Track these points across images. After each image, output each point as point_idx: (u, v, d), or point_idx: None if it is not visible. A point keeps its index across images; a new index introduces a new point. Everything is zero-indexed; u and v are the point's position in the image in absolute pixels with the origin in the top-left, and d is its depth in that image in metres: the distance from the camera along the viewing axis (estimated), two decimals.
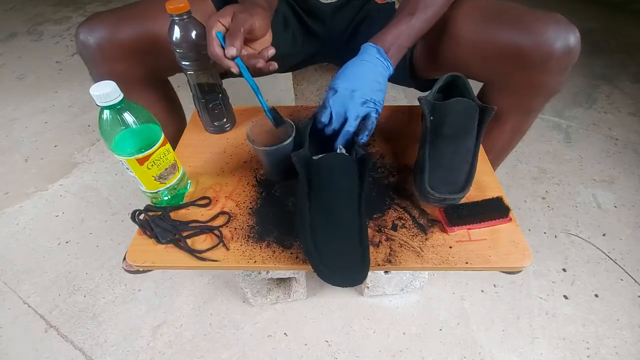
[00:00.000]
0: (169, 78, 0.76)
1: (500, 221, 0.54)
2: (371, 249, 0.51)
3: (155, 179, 0.53)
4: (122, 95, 0.46)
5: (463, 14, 0.60)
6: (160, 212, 0.56)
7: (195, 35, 0.54)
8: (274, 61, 0.53)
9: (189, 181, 0.61)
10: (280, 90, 1.43)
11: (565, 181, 1.07)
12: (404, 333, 0.76)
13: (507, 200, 0.55)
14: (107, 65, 0.61)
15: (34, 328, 0.79)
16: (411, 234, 0.54)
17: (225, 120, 0.70)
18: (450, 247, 0.52)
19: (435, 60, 0.67)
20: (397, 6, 0.71)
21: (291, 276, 0.72)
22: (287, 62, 0.78)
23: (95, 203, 1.03)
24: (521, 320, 0.78)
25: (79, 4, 2.12)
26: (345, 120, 0.56)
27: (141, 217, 0.55)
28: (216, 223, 0.56)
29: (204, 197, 0.59)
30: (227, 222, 0.56)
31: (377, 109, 0.57)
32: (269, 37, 0.58)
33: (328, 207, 0.50)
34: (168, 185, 0.55)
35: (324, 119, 0.57)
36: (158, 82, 0.72)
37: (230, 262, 0.51)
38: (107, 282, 0.86)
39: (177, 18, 0.52)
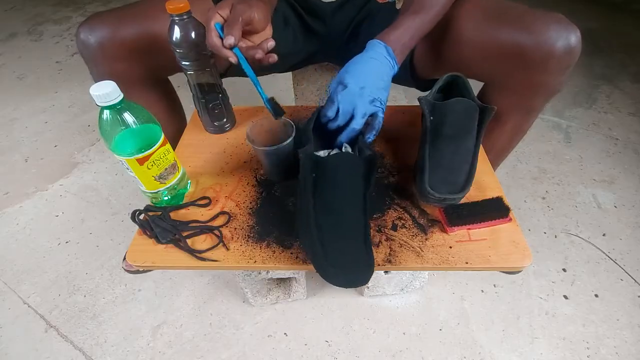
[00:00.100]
0: (169, 78, 0.76)
1: (500, 221, 0.54)
2: None
3: (155, 179, 0.53)
4: (122, 95, 0.46)
5: (464, 14, 0.60)
6: (160, 212, 0.56)
7: (195, 35, 0.54)
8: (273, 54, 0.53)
9: (189, 181, 0.61)
10: (280, 90, 1.43)
11: (565, 181, 1.07)
12: (404, 333, 0.76)
13: (507, 200, 0.55)
14: (108, 65, 0.61)
15: (34, 328, 0.79)
16: (411, 234, 0.54)
17: (225, 120, 0.70)
18: (450, 247, 0.52)
19: (436, 59, 0.67)
20: (397, 6, 0.71)
21: (291, 276, 0.72)
22: (288, 61, 0.78)
23: (95, 203, 1.03)
24: (521, 320, 0.78)
25: (79, 4, 2.12)
26: (351, 117, 0.55)
27: (141, 217, 0.55)
28: (216, 223, 0.56)
29: (204, 197, 0.59)
30: (227, 222, 0.56)
31: (382, 109, 0.56)
32: (269, 31, 0.57)
33: (334, 207, 0.49)
34: (168, 185, 0.55)
35: (330, 113, 0.55)
36: (158, 81, 0.72)
37: (230, 262, 0.51)
38: (107, 282, 0.86)
39: (177, 18, 0.52)
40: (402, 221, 0.55)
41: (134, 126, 0.47)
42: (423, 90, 0.74)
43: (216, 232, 0.54)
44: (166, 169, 0.53)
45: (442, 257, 0.51)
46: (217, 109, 0.67)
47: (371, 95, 0.54)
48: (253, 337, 0.76)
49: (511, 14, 0.57)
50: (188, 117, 0.77)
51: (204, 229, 0.55)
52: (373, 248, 0.52)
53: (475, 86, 0.63)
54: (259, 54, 0.51)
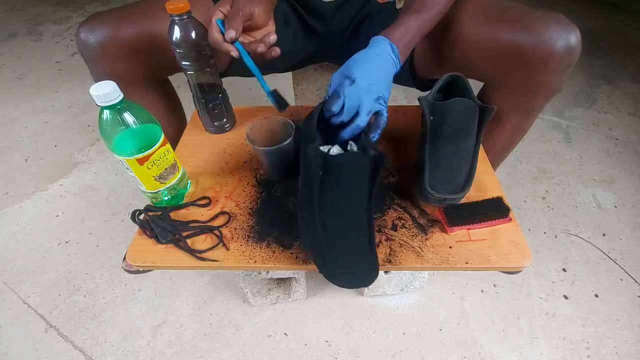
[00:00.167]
0: (169, 78, 0.76)
1: (500, 221, 0.54)
2: None
3: (155, 179, 0.53)
4: (122, 95, 0.46)
5: (465, 13, 0.60)
6: (160, 212, 0.56)
7: (195, 35, 0.54)
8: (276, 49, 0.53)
9: (189, 181, 0.61)
10: (280, 90, 1.43)
11: (565, 181, 1.07)
12: (404, 333, 0.76)
13: (507, 200, 0.55)
14: (108, 65, 0.61)
15: (34, 328, 0.79)
16: (411, 234, 0.54)
17: (225, 120, 0.70)
18: (450, 247, 0.52)
19: (436, 59, 0.67)
20: (397, 6, 0.71)
21: (291, 276, 0.72)
22: (288, 61, 0.78)
23: (95, 203, 1.03)
24: (521, 320, 0.78)
25: (79, 4, 2.12)
26: (355, 114, 0.53)
27: (141, 217, 0.55)
28: (216, 223, 0.56)
29: (204, 197, 0.59)
30: (227, 222, 0.56)
31: (386, 107, 0.56)
32: (271, 27, 0.57)
33: (341, 207, 0.48)
34: (168, 185, 0.55)
35: (335, 108, 0.52)
36: (158, 81, 0.73)
37: (230, 262, 0.51)
38: (107, 282, 0.86)
39: (177, 18, 0.52)
40: (402, 221, 0.55)
41: (134, 126, 0.47)
42: (423, 90, 0.74)
43: (216, 232, 0.54)
44: (166, 169, 0.53)
45: (442, 257, 0.51)
46: (217, 109, 0.67)
47: (377, 93, 0.53)
48: (253, 337, 0.76)
49: (511, 14, 0.57)
50: (188, 117, 0.77)
51: (204, 229, 0.55)
52: None
53: (475, 86, 0.63)
54: (261, 47, 0.51)
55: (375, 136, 0.55)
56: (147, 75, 0.67)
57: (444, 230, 0.54)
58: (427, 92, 0.62)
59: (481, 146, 0.60)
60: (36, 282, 0.86)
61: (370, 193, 0.50)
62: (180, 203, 0.58)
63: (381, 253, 0.52)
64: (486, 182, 0.60)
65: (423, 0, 0.56)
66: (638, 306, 0.79)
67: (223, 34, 0.51)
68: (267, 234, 0.54)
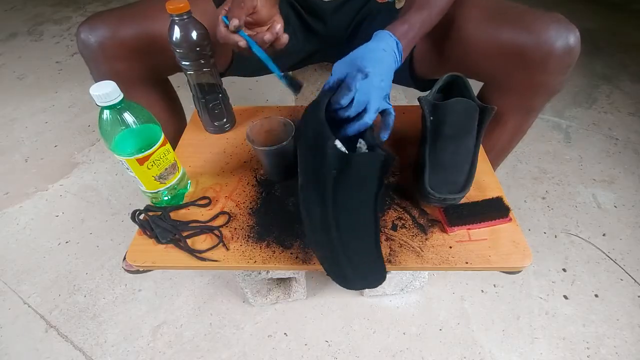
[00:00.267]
0: (169, 78, 0.76)
1: (500, 221, 0.54)
2: None
3: (155, 179, 0.53)
4: (122, 95, 0.46)
5: (465, 13, 0.60)
6: (160, 212, 0.56)
7: (196, 35, 0.54)
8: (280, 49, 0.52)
9: (189, 181, 0.61)
10: (280, 90, 1.43)
11: (565, 181, 1.07)
12: (404, 333, 0.76)
13: (507, 200, 0.55)
14: (108, 64, 0.61)
15: (34, 328, 0.79)
16: (411, 234, 0.54)
17: (225, 120, 0.70)
18: (450, 247, 0.52)
19: (436, 59, 0.67)
20: (397, 6, 0.71)
21: (291, 276, 0.72)
22: (288, 60, 0.78)
23: (95, 203, 1.03)
24: (521, 320, 0.78)
25: (79, 4, 2.12)
26: (362, 110, 0.51)
27: (141, 217, 0.55)
28: (216, 223, 0.56)
29: (204, 197, 0.59)
30: (227, 222, 0.56)
31: (391, 105, 0.55)
32: (278, 20, 0.56)
33: (353, 206, 0.48)
34: (168, 185, 0.55)
35: (345, 101, 0.50)
36: (158, 81, 0.73)
37: (230, 262, 0.51)
38: (107, 282, 0.86)
39: (177, 18, 0.52)
40: (402, 221, 0.55)
41: (134, 126, 0.48)
42: (422, 90, 0.74)
43: (216, 232, 0.54)
44: (166, 169, 0.53)
45: (442, 257, 0.51)
46: (217, 109, 0.67)
47: (385, 90, 0.52)
48: (253, 337, 0.76)
49: (511, 14, 0.57)
50: (188, 117, 0.77)
51: (204, 229, 0.55)
52: None
53: (475, 86, 0.63)
54: (268, 35, 0.51)
55: (385, 136, 0.54)
56: (147, 75, 0.67)
57: (444, 230, 0.54)
58: (427, 92, 0.62)
59: (481, 146, 0.60)
60: (36, 282, 0.86)
61: (377, 193, 0.49)
62: (180, 203, 0.58)
63: None
64: (486, 182, 0.60)
65: None
66: (638, 306, 0.79)
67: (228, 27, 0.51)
68: (267, 234, 0.54)
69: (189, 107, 0.73)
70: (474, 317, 0.78)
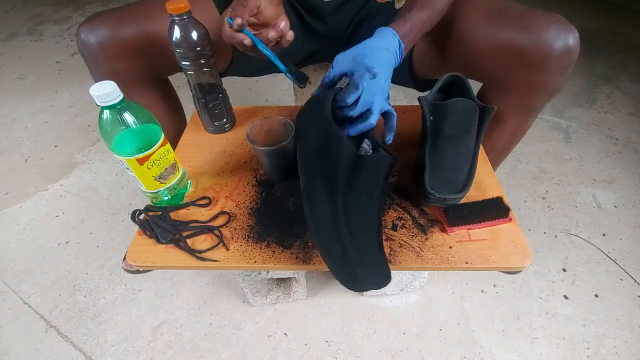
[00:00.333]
0: (169, 78, 0.76)
1: (500, 221, 0.54)
2: None
3: (155, 179, 0.53)
4: (122, 95, 0.46)
5: (465, 13, 0.60)
6: (160, 212, 0.56)
7: (196, 35, 0.54)
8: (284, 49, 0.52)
9: (189, 181, 0.61)
10: (280, 90, 1.43)
11: (565, 181, 1.07)
12: (404, 333, 0.76)
13: (507, 200, 0.55)
14: (108, 64, 0.61)
15: (34, 328, 0.79)
16: (411, 234, 0.54)
17: (225, 120, 0.70)
18: (450, 247, 0.52)
19: (435, 59, 0.67)
20: (396, 6, 0.71)
21: (291, 276, 0.72)
22: (288, 60, 0.78)
23: (95, 203, 1.03)
24: (521, 320, 0.78)
25: (79, 4, 2.12)
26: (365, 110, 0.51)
27: (141, 217, 0.55)
28: (216, 223, 0.56)
29: (204, 197, 0.59)
30: (227, 222, 0.56)
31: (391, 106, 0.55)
32: (283, 17, 0.55)
33: (363, 207, 0.48)
34: (168, 185, 0.55)
35: (350, 100, 0.49)
36: (158, 81, 0.73)
37: (230, 262, 0.51)
38: (107, 282, 0.86)
39: (177, 18, 0.52)
40: (402, 221, 0.55)
41: (134, 126, 0.48)
42: (421, 91, 0.74)
43: (216, 232, 0.54)
44: (166, 169, 0.53)
45: (442, 257, 0.51)
46: (217, 109, 0.67)
47: (387, 91, 0.52)
48: (253, 337, 0.76)
49: (511, 14, 0.57)
50: (188, 117, 0.77)
51: (204, 229, 0.55)
52: None
53: (475, 86, 0.63)
54: (272, 33, 0.50)
55: (390, 138, 0.54)
56: (147, 75, 0.67)
57: (444, 230, 0.54)
58: (427, 92, 0.62)
59: (481, 146, 0.60)
60: (36, 282, 0.86)
61: (380, 193, 0.50)
62: (180, 203, 0.58)
63: None
64: (486, 182, 0.60)
65: None
66: (638, 306, 0.79)
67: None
68: (267, 234, 0.54)
69: (189, 107, 0.73)
70: (474, 317, 0.78)
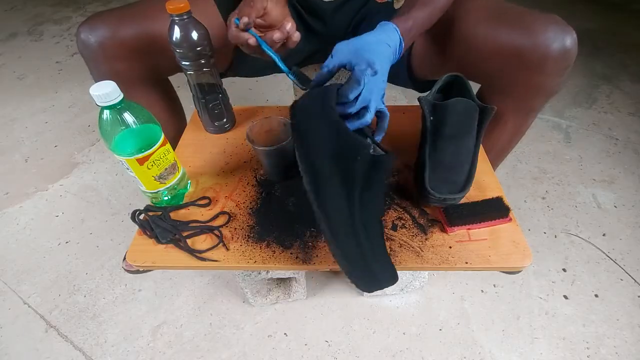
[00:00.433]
0: (169, 78, 0.76)
1: (500, 221, 0.54)
2: None
3: (155, 179, 0.53)
4: (122, 95, 0.46)
5: (464, 14, 0.60)
6: (160, 212, 0.56)
7: (196, 35, 0.54)
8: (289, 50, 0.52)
9: (189, 181, 0.61)
10: (280, 90, 1.43)
11: (565, 181, 1.07)
12: (404, 333, 0.76)
13: (507, 200, 0.55)
14: (108, 64, 0.61)
15: (34, 328, 0.79)
16: (411, 234, 0.54)
17: (225, 120, 0.70)
18: (450, 247, 0.52)
19: (435, 59, 0.67)
20: (395, 6, 0.71)
21: (291, 276, 0.72)
22: (288, 61, 0.78)
23: (95, 203, 1.03)
24: (521, 320, 0.78)
25: (79, 4, 2.12)
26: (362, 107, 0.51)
27: (141, 217, 0.55)
28: (216, 223, 0.56)
29: (204, 197, 0.59)
30: (227, 222, 0.56)
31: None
32: (289, 19, 0.55)
33: (374, 207, 0.48)
34: (168, 185, 0.55)
35: (352, 96, 0.48)
36: (159, 81, 0.73)
37: (230, 262, 0.51)
38: (107, 282, 0.86)
39: (177, 18, 0.52)
40: (402, 221, 0.55)
41: (134, 126, 0.48)
42: (421, 91, 0.74)
43: (216, 232, 0.54)
44: (166, 169, 0.53)
45: (442, 257, 0.51)
46: (217, 109, 0.67)
47: (383, 90, 0.52)
48: (253, 337, 0.76)
49: (509, 15, 0.57)
50: (188, 117, 0.77)
51: (204, 229, 0.55)
52: None
53: (474, 86, 0.63)
54: (277, 34, 0.50)
55: (379, 138, 0.55)
56: (147, 75, 0.67)
57: (444, 230, 0.54)
58: (427, 92, 0.62)
59: (481, 146, 0.60)
60: (36, 282, 0.86)
61: (383, 193, 0.50)
62: (180, 203, 0.58)
63: None
64: (486, 182, 0.60)
65: None
66: (638, 306, 0.79)
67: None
68: (267, 234, 0.54)
69: (189, 107, 0.73)
70: (474, 317, 0.78)
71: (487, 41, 0.58)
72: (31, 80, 1.55)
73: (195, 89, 0.63)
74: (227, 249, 0.53)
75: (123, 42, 0.60)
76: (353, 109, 0.50)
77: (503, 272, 0.85)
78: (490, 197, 0.56)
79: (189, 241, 0.53)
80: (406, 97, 1.41)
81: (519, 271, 0.84)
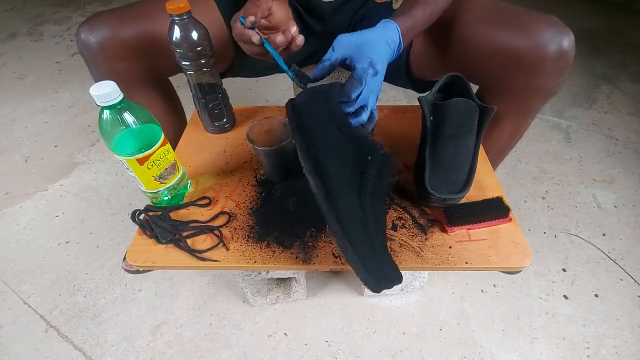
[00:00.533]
0: (169, 78, 0.76)
1: (500, 221, 0.54)
2: None
3: (155, 179, 0.53)
4: (122, 95, 0.46)
5: (463, 14, 0.60)
6: (160, 212, 0.56)
7: (196, 35, 0.54)
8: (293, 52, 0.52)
9: (189, 181, 0.61)
10: (280, 90, 1.43)
11: (565, 181, 1.07)
12: (404, 333, 0.76)
13: (507, 200, 0.55)
14: (108, 65, 0.61)
15: (34, 328, 0.79)
16: (411, 234, 0.54)
17: (225, 120, 0.70)
18: (450, 247, 0.52)
19: (433, 60, 0.67)
20: (394, 6, 0.71)
21: (291, 276, 0.72)
22: (288, 61, 0.78)
23: (95, 203, 1.03)
24: (521, 320, 0.78)
25: (79, 4, 2.13)
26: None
27: (141, 217, 0.55)
28: (216, 223, 0.56)
29: (204, 197, 0.59)
30: (227, 222, 0.56)
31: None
32: (293, 22, 0.55)
33: (380, 207, 0.48)
34: (168, 185, 0.55)
35: (354, 95, 0.49)
36: (159, 81, 0.73)
37: (230, 262, 0.51)
38: (107, 282, 0.86)
39: (177, 18, 0.52)
40: (402, 221, 0.55)
41: (134, 126, 0.48)
42: (420, 92, 0.74)
43: (216, 232, 0.54)
44: (166, 169, 0.53)
45: (442, 257, 0.51)
46: (217, 109, 0.67)
47: (380, 90, 0.52)
48: (253, 337, 0.76)
49: (508, 15, 0.57)
50: (188, 117, 0.77)
51: (204, 229, 0.55)
52: None
53: (474, 87, 0.63)
54: (280, 37, 0.50)
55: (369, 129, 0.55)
56: (147, 75, 0.67)
57: (444, 230, 0.54)
58: (427, 92, 0.62)
59: (481, 146, 0.60)
60: (36, 282, 0.86)
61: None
62: (180, 203, 0.58)
63: None
64: (486, 182, 0.60)
65: None
66: (638, 306, 0.79)
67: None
68: (267, 234, 0.54)
69: (189, 107, 0.73)
70: (474, 317, 0.78)
71: (485, 42, 0.58)
72: (31, 80, 1.55)
73: (195, 89, 0.63)
74: (227, 249, 0.53)
75: (123, 42, 0.60)
76: (352, 108, 0.50)
77: (503, 272, 0.85)
78: (490, 197, 0.56)
79: (189, 241, 0.53)
80: (406, 97, 1.41)
81: (519, 271, 0.84)
